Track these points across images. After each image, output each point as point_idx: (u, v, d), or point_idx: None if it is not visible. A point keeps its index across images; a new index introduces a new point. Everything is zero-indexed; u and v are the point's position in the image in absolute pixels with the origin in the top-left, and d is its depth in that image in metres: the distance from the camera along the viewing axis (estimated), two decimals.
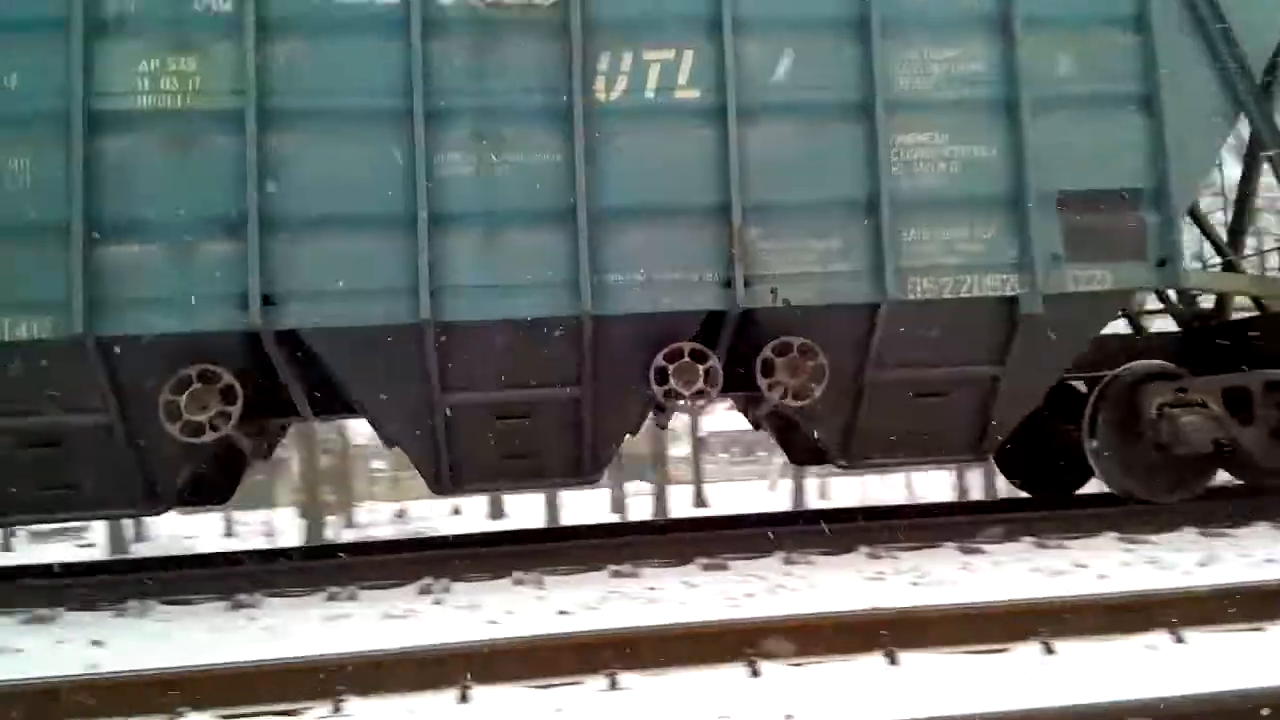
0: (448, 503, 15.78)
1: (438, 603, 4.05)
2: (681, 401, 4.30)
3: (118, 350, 4.13)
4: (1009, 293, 4.59)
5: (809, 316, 4.53)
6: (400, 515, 16.61)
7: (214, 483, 5.28)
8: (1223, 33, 4.72)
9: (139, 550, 12.51)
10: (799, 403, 4.49)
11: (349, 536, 12.91)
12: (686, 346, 4.45)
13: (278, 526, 14.33)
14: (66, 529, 14.38)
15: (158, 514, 4.85)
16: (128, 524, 13.72)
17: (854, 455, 5.05)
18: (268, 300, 4.12)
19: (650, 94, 4.45)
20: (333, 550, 5.83)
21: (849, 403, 4.87)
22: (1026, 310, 4.59)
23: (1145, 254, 4.71)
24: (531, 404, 4.56)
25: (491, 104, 4.36)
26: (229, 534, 15.40)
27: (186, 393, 4.07)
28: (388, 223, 4.21)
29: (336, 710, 2.64)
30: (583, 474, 4.78)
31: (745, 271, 4.40)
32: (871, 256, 4.50)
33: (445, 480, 4.75)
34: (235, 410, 4.05)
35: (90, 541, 14.45)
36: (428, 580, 4.43)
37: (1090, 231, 4.63)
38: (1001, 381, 4.90)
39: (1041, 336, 4.71)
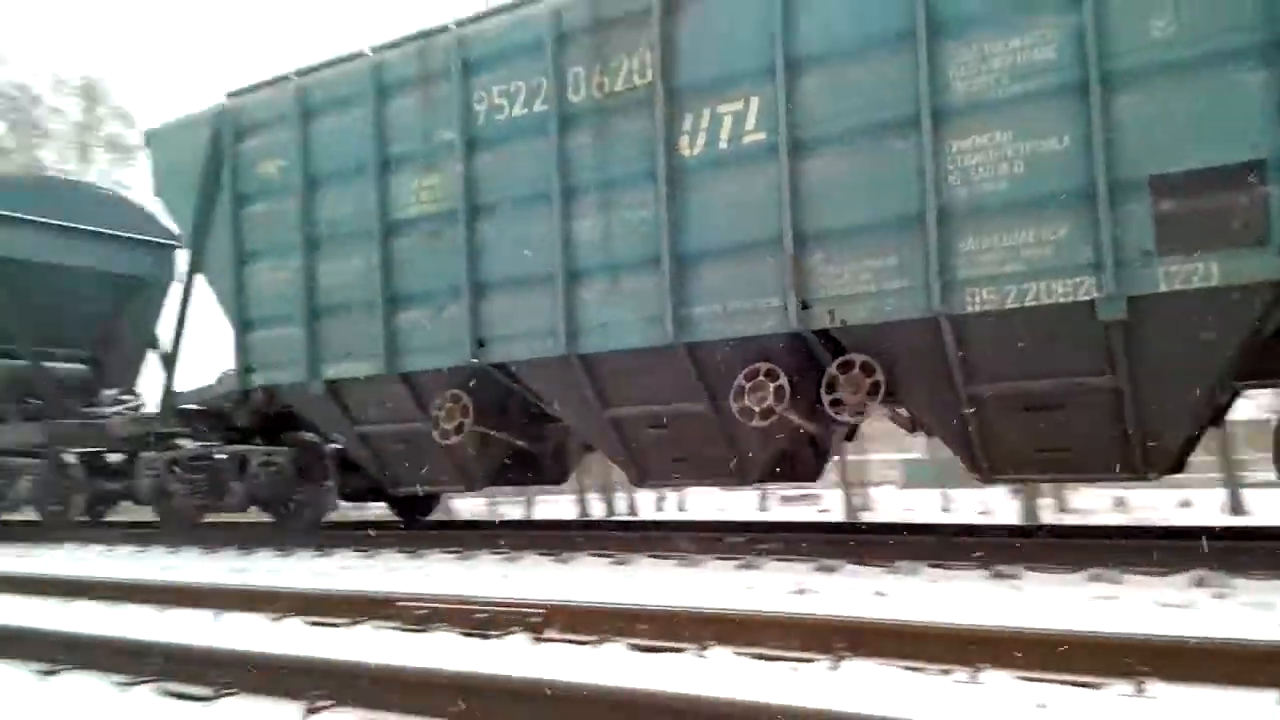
0: (1174, 494, 18.50)
1: (1219, 597, 4.74)
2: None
3: None
4: (1083, 297, 5.13)
5: (878, 334, 5.77)
6: (1120, 504, 18.46)
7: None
8: None
9: (866, 518, 15.61)
10: (857, 418, 5.94)
11: (1069, 520, 15.34)
12: (763, 367, 6.18)
13: (991, 506, 17.56)
14: (807, 494, 20.65)
15: None
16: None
17: (986, 470, 6.07)
18: (480, 343, 7.18)
19: (724, 144, 6.23)
20: (1081, 531, 7.65)
21: (956, 418, 5.90)
22: (1105, 316, 5.10)
23: (1267, 238, 4.76)
24: (668, 416, 6.84)
25: (610, 175, 6.68)
26: (945, 509, 18.93)
27: None
28: (545, 280, 6.84)
29: (1139, 691, 3.20)
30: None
31: (804, 295, 5.92)
32: (924, 271, 5.54)
33: (637, 478, 7.33)
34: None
35: (825, 507, 19.38)
36: (1200, 572, 5.14)
37: (1192, 218, 4.91)
38: (1126, 393, 5.41)
39: (1162, 342, 5.15)
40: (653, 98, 6.56)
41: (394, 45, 7.85)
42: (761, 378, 6.31)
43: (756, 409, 6.27)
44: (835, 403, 6.07)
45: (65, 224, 11.40)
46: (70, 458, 10.63)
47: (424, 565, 7.32)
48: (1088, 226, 5.27)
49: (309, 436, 9.09)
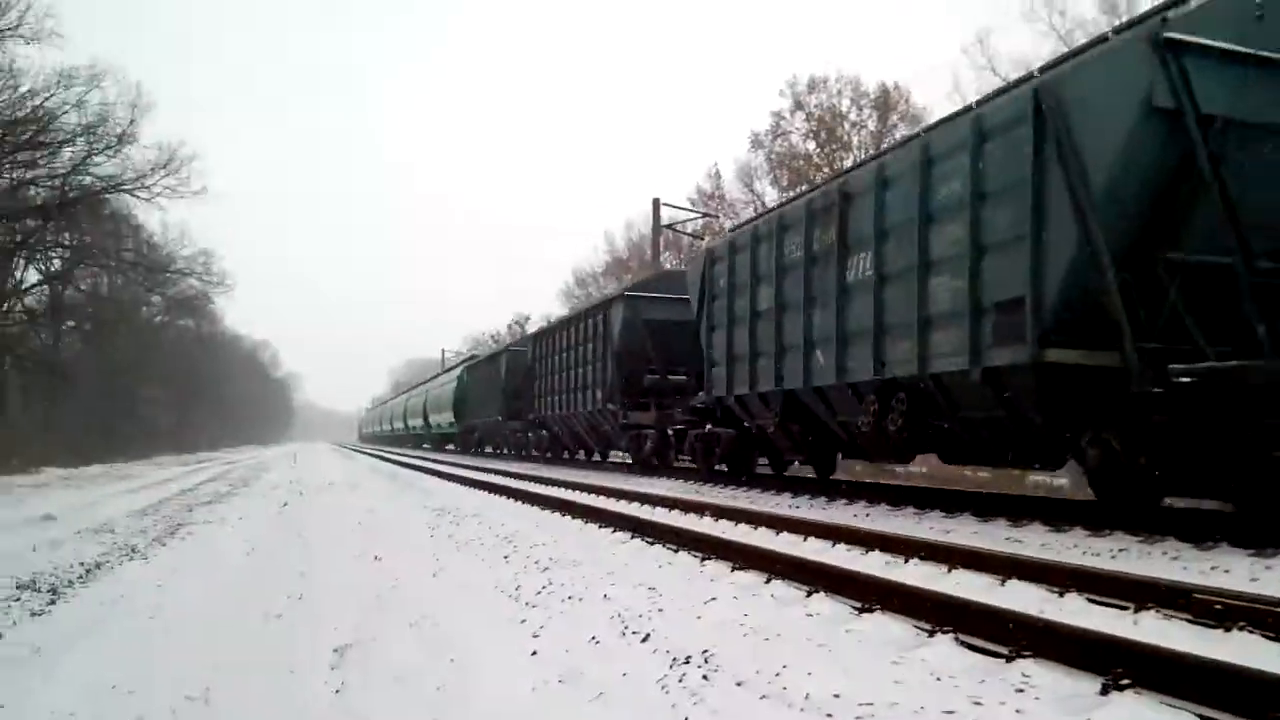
0: None
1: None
2: None
3: None
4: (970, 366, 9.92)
5: (908, 381, 11.16)
6: None
7: None
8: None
9: None
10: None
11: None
12: (871, 395, 12.14)
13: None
14: None
15: None
16: None
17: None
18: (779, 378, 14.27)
19: (863, 274, 12.20)
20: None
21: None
22: (974, 378, 9.95)
23: (1025, 338, 8.97)
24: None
25: (813, 293, 13.31)
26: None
27: None
28: (797, 347, 13.78)
29: None
30: None
31: (880, 359, 11.68)
32: (918, 351, 10.83)
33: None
34: None
35: None
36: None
37: (1004, 326, 9.27)
38: (1003, 419, 10.32)
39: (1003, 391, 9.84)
40: (835, 249, 12.86)
41: (740, 225, 15.45)
42: (871, 397, 12.18)
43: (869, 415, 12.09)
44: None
45: (676, 296, 19.62)
46: (669, 431, 19.47)
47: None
48: (972, 330, 10.15)
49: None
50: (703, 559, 7.08)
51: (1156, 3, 9.40)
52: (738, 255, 15.52)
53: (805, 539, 7.98)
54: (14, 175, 25.46)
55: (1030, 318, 8.97)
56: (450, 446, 45.32)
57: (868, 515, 9.91)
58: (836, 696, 3.72)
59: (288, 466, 32.18)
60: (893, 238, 11.39)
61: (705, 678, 4.08)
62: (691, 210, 38.11)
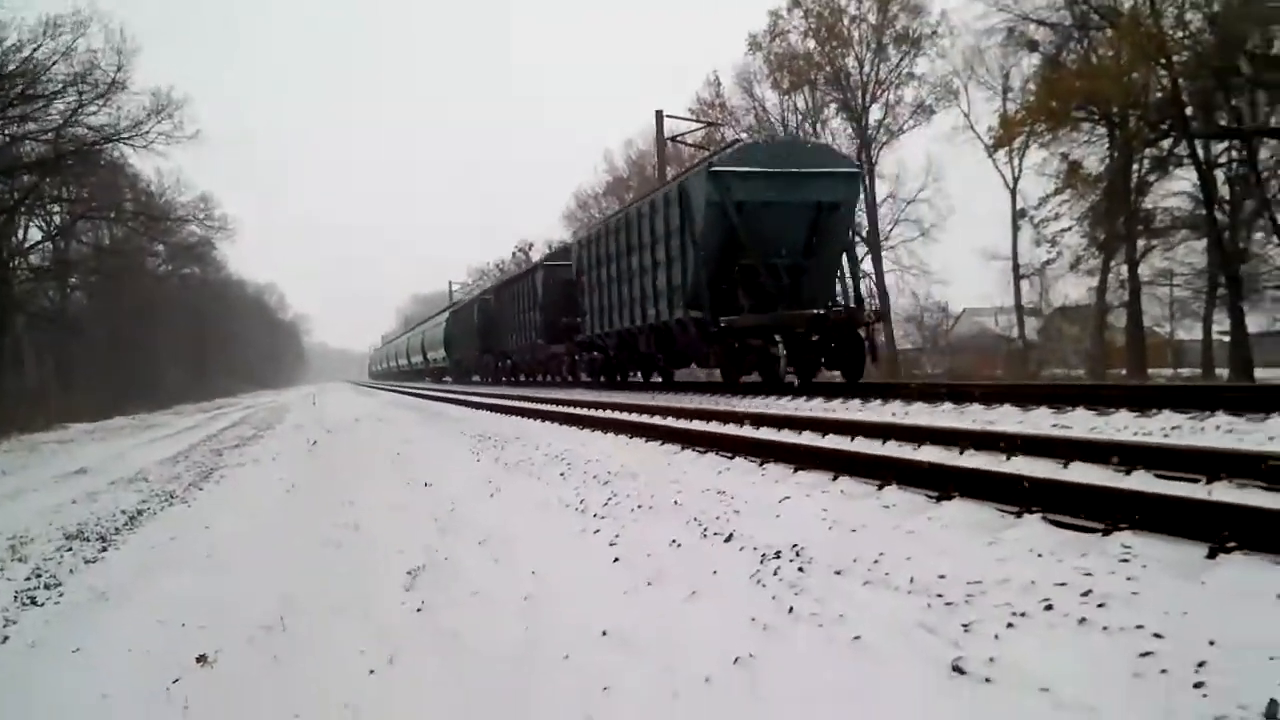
0: None
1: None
2: None
3: None
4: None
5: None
6: None
7: None
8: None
9: None
10: None
11: None
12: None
13: None
14: None
15: None
16: None
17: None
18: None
19: (637, 266, 19.79)
20: None
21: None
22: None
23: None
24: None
25: (623, 273, 20.55)
26: None
27: None
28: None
29: None
30: None
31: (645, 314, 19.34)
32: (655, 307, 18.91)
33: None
34: None
35: None
36: None
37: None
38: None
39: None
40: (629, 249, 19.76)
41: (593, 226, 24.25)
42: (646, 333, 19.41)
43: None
44: None
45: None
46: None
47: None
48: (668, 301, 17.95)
49: None
50: (760, 462, 7.02)
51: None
52: (594, 244, 22.65)
53: (853, 439, 7.91)
54: (7, 131, 24.95)
55: (680, 295, 17.34)
56: (447, 378, 51.23)
57: (906, 413, 9.84)
58: (941, 577, 3.66)
59: (308, 407, 32.33)
60: (645, 248, 18.97)
61: (800, 569, 4.03)
62: (694, 120, 37.32)
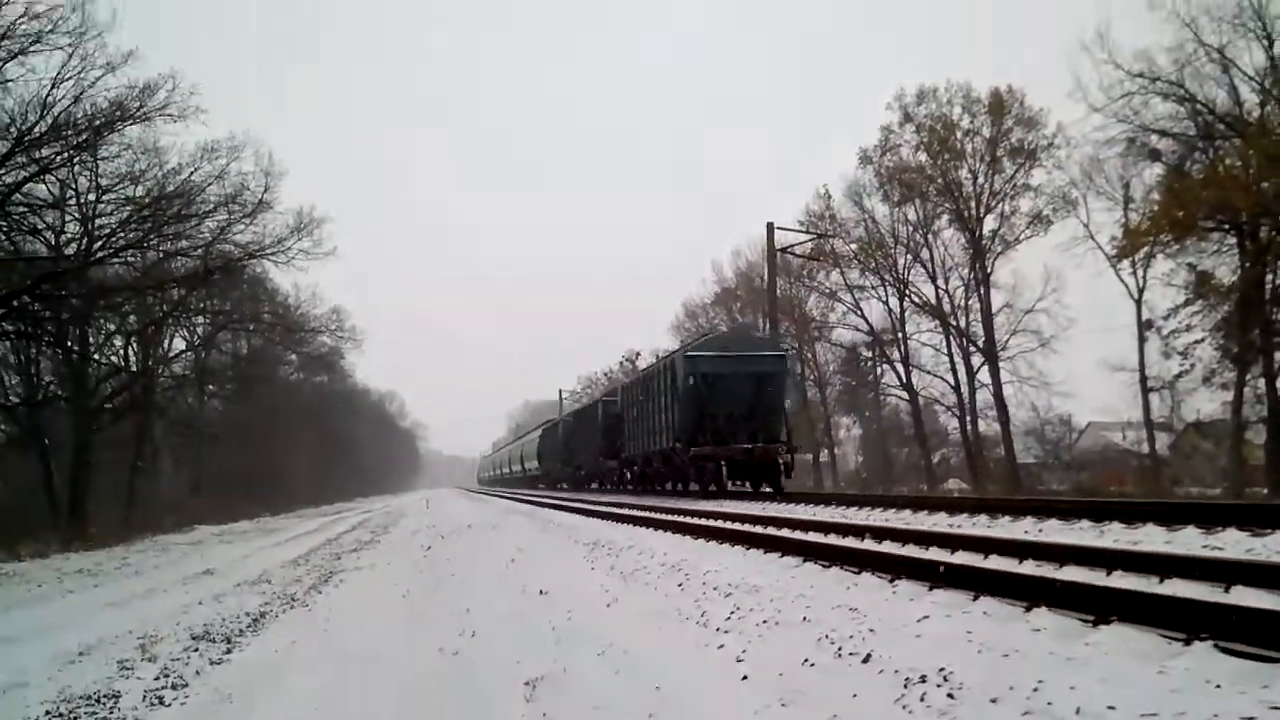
0: None
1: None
2: None
3: None
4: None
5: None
6: None
7: None
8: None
9: None
10: None
11: None
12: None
13: None
14: None
15: None
16: None
17: None
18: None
19: (650, 410, 26.99)
20: None
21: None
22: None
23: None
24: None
25: (644, 414, 27.48)
26: None
27: None
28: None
29: None
30: None
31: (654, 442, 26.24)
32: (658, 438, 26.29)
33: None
34: None
35: None
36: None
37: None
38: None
39: None
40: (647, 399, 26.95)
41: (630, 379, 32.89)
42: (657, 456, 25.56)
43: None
44: None
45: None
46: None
47: None
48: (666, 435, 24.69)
49: None
50: (891, 579, 6.67)
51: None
52: (629, 390, 31.43)
53: (986, 556, 7.49)
54: (163, 249, 26.75)
55: (671, 434, 24.40)
56: (540, 485, 57.02)
57: (1040, 530, 9.32)
58: (1111, 708, 3.31)
59: (421, 512, 32.78)
60: (653, 399, 26.30)
61: (950, 695, 3.72)
62: (803, 231, 37.54)
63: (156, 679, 6.98)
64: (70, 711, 6.16)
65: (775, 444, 23.28)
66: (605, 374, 79.45)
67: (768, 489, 23.41)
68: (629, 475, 32.06)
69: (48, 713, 6.19)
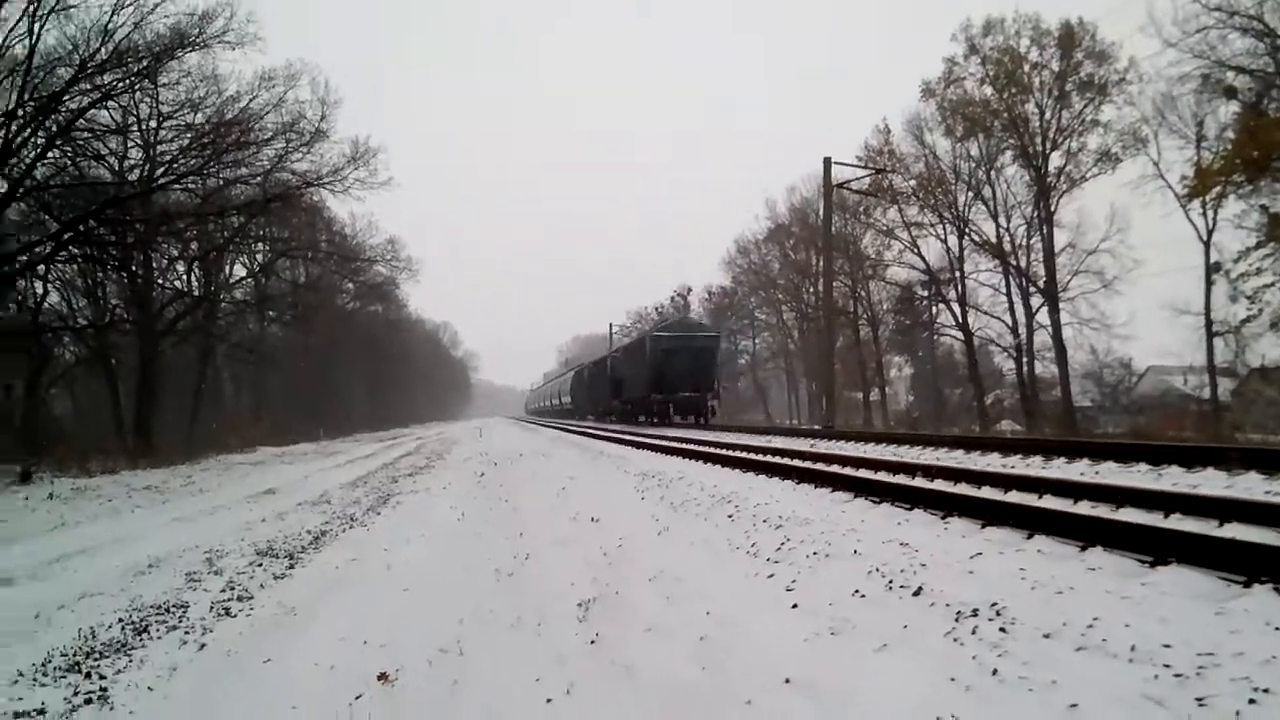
0: None
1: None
2: None
3: None
4: None
5: None
6: None
7: None
8: None
9: None
10: None
11: None
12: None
13: None
14: None
15: None
16: None
17: None
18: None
19: (633, 371, 33.90)
20: None
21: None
22: None
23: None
24: None
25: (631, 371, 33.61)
26: None
27: None
28: None
29: None
30: None
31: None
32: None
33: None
34: None
35: None
36: None
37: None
38: None
39: None
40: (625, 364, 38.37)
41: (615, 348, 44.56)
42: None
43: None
44: None
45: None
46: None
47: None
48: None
49: None
50: (944, 516, 6.65)
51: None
52: (622, 353, 42.27)
53: (1040, 496, 7.43)
54: (223, 175, 27.04)
55: (644, 384, 36.42)
56: (575, 417, 63.83)
57: (1095, 473, 9.20)
58: (1167, 647, 3.30)
59: (474, 440, 33.30)
60: (636, 362, 37.31)
61: (1003, 629, 3.73)
62: (860, 167, 36.77)
63: (223, 591, 7.24)
64: (142, 620, 6.43)
65: (703, 393, 35.74)
66: (656, 308, 79.59)
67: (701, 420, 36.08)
68: (628, 410, 43.39)
69: (120, 620, 6.45)
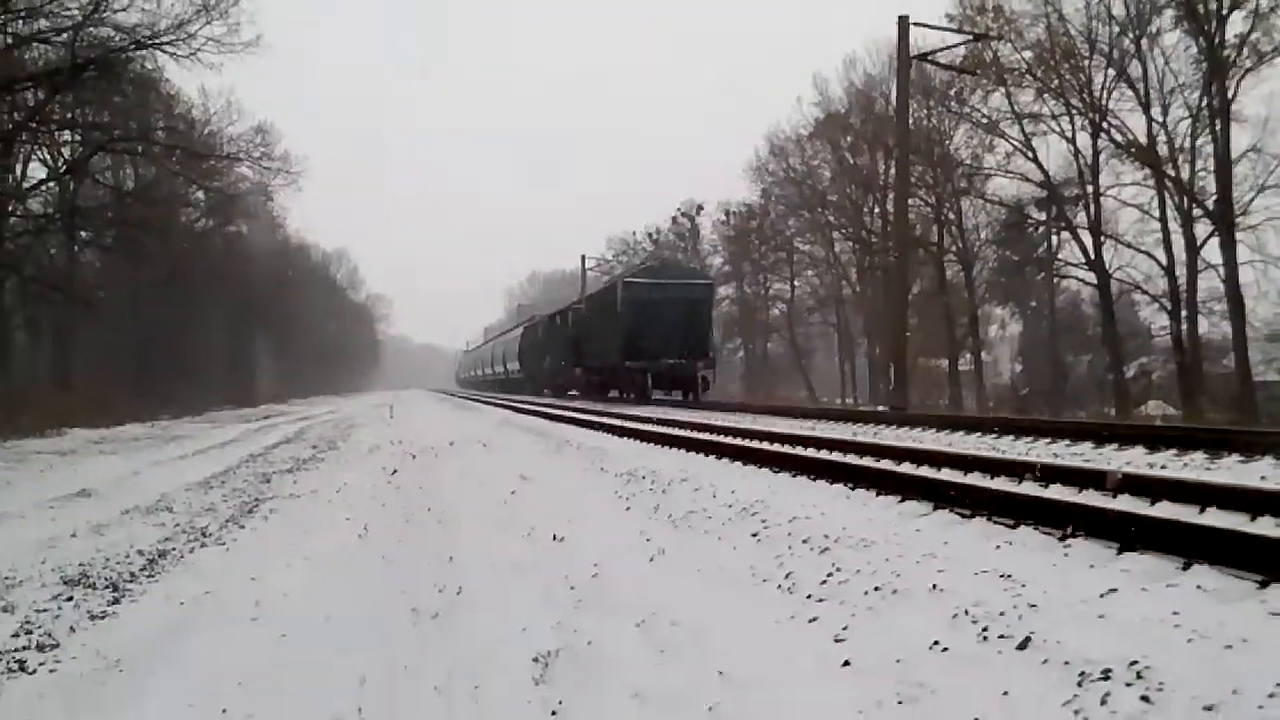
0: None
1: None
2: None
3: None
4: None
5: None
6: None
7: None
8: None
9: None
10: None
11: None
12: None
13: None
14: None
15: None
16: None
17: None
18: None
19: (599, 328, 47.10)
20: None
21: None
22: None
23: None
24: None
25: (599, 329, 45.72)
26: None
27: None
28: None
29: None
30: None
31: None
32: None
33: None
34: None
35: None
36: None
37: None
38: None
39: None
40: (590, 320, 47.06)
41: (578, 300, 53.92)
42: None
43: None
44: None
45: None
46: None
47: None
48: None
49: None
50: (1062, 537, 6.73)
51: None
52: (589, 303, 48.65)
53: (1154, 502, 7.65)
54: (9, 30, 26.64)
55: (616, 350, 41.17)
56: (526, 389, 68.01)
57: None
58: None
59: (383, 423, 33.40)
60: (605, 319, 43.12)
61: (1145, 699, 3.79)
62: (952, 30, 36.60)
63: (16, 636, 7.25)
64: None
65: (693, 361, 39.40)
66: (651, 235, 79.62)
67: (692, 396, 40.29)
68: (593, 382, 47.71)
69: None
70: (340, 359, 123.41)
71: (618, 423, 22.54)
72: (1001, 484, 9.30)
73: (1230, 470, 10.26)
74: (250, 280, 66.49)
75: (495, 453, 18.42)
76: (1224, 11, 35.90)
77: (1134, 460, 11.58)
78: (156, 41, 27.99)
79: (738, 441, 15.52)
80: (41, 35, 27.35)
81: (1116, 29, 38.82)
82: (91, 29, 27.37)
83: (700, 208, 75.60)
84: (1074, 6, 39.56)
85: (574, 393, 51.83)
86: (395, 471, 16.38)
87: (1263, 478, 9.42)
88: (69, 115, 35.31)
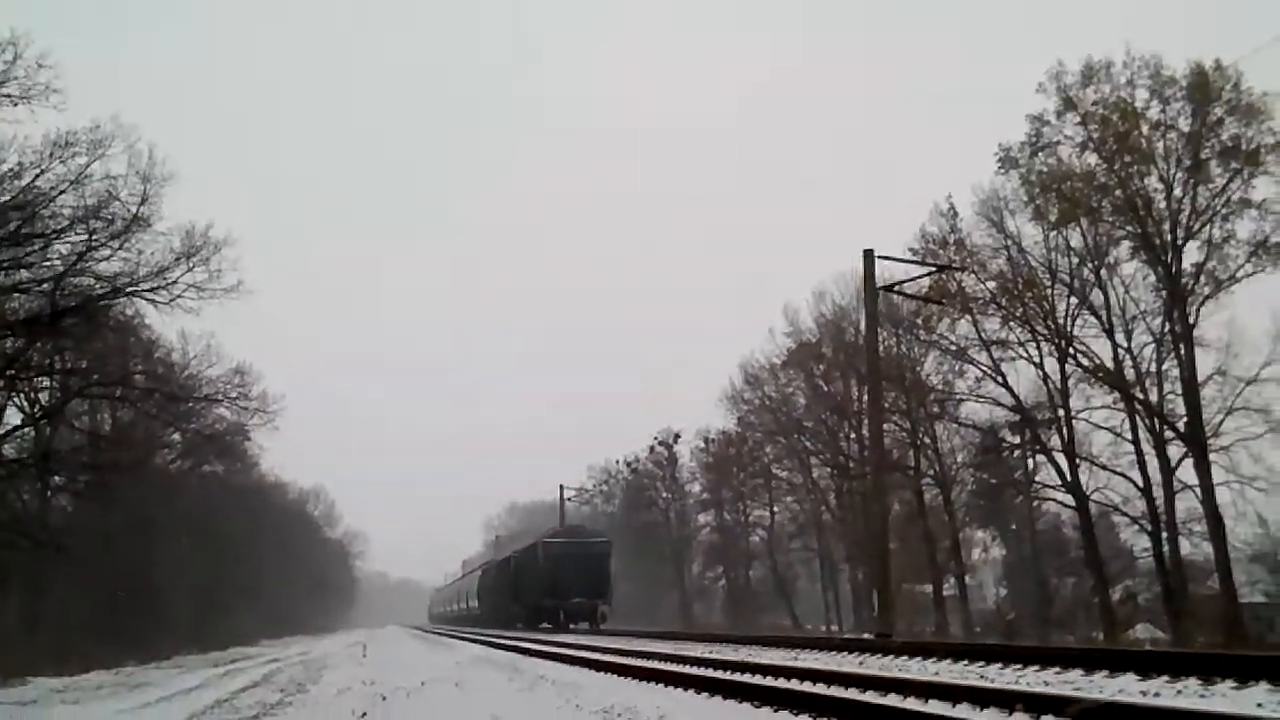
0: None
1: None
2: None
3: None
4: None
5: None
6: None
7: None
8: None
9: None
10: None
11: None
12: None
13: None
14: None
15: None
16: None
17: None
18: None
19: (529, 577, 64.10)
20: None
21: None
22: None
23: None
24: None
25: (530, 578, 64.29)
26: None
27: None
28: None
29: None
30: None
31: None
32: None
33: None
34: None
35: None
36: None
37: None
38: None
39: None
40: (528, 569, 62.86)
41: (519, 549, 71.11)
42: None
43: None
44: None
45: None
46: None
47: None
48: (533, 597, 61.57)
49: None
50: None
51: None
52: (523, 556, 65.58)
53: None
54: None
55: (538, 592, 59.79)
56: (488, 623, 74.72)
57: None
58: None
59: (354, 663, 32.55)
60: (530, 569, 61.63)
61: None
62: (916, 262, 37.24)
63: None
64: None
65: (594, 600, 54.73)
66: (628, 462, 79.73)
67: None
68: (527, 615, 60.13)
69: None
70: (315, 597, 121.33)
71: (591, 657, 22.09)
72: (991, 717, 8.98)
73: (1227, 697, 9.95)
74: (224, 521, 65.69)
75: (468, 692, 17.88)
76: (1179, 242, 36.75)
77: (1125, 688, 11.29)
78: (136, 289, 28.03)
79: (721, 675, 15.18)
80: (23, 286, 27.41)
81: (1076, 259, 39.66)
82: (73, 278, 27.42)
83: (678, 436, 76.09)
84: (1033, 239, 40.46)
85: (519, 625, 62.30)
86: (365, 715, 15.84)
87: (1258, 705, 9.14)
88: (47, 361, 35.18)
